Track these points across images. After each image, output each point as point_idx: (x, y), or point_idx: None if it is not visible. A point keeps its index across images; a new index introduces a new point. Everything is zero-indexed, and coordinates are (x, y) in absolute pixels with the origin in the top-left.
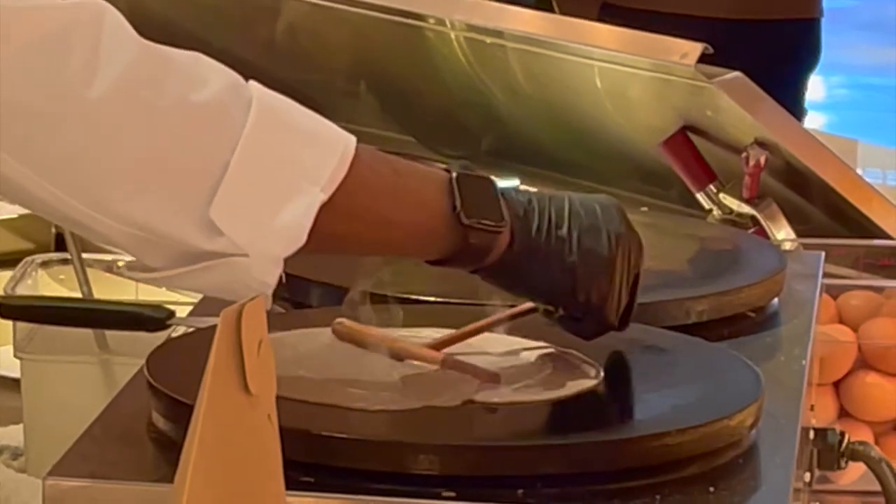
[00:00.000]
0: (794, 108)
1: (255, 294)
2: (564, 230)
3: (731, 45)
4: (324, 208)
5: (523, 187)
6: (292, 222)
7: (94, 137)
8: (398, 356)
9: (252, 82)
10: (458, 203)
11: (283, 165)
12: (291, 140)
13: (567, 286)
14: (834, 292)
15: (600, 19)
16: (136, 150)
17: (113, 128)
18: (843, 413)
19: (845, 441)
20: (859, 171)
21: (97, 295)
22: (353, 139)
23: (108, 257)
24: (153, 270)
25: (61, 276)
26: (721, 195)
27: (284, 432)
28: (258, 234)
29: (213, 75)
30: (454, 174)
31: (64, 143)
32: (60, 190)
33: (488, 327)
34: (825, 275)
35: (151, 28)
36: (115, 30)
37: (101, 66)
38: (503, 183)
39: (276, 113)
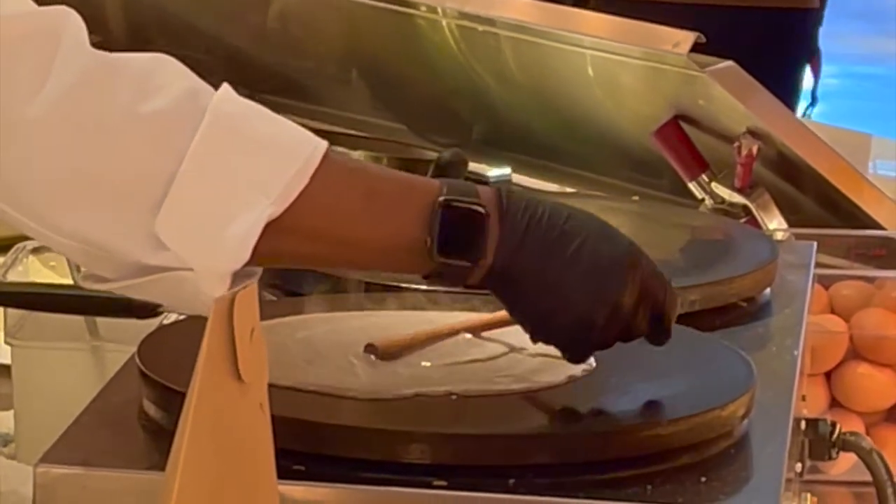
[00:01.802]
0: (788, 98)
1: (206, 307)
2: (563, 267)
3: (724, 33)
4: (277, 224)
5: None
6: (237, 238)
7: (35, 153)
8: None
9: (225, 87)
10: (430, 240)
11: (232, 177)
12: (245, 150)
13: (557, 327)
14: (826, 282)
15: (594, 8)
16: (77, 164)
17: (53, 143)
18: (835, 403)
19: (837, 431)
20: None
21: None
22: (321, 150)
23: None
24: (106, 281)
25: (52, 263)
26: (713, 185)
27: (276, 421)
28: (202, 248)
29: (169, 83)
30: (441, 198)
31: (7, 159)
32: (6, 205)
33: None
34: (817, 265)
35: (145, 16)
36: (72, 40)
37: (51, 79)
38: (495, 171)
39: (231, 122)
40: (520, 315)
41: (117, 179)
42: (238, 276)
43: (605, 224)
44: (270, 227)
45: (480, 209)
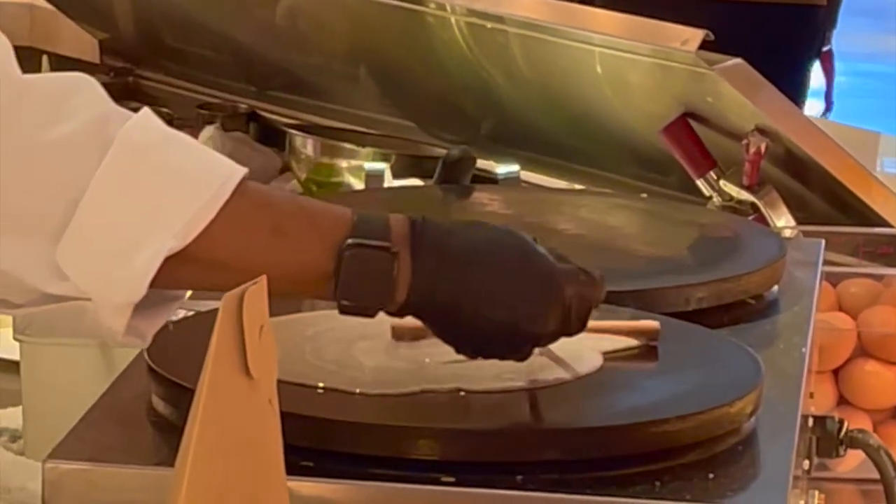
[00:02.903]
0: (795, 94)
1: (108, 338)
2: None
3: (732, 29)
4: (178, 255)
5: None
6: (135, 271)
7: None
8: None
9: (141, 113)
10: (335, 282)
11: (135, 209)
12: (150, 182)
13: (487, 349)
14: (833, 280)
15: (602, 4)
16: None
17: None
18: (842, 400)
19: (844, 429)
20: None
21: None
22: (231, 184)
23: None
24: (15, 306)
25: None
26: (721, 182)
27: (285, 417)
28: (100, 280)
29: (81, 108)
30: (348, 240)
31: None
32: None
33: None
34: (825, 262)
35: (153, 13)
36: None
37: None
38: (503, 168)
39: (139, 151)
40: (444, 338)
41: (19, 206)
42: (148, 306)
43: (524, 242)
44: (171, 258)
45: (388, 251)
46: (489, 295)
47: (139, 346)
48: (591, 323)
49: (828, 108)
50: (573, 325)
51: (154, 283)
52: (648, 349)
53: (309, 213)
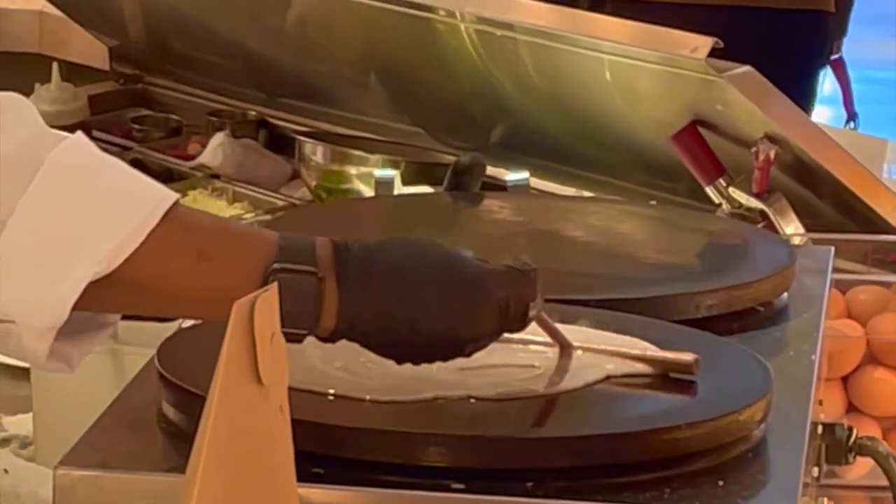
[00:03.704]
0: (804, 101)
1: (32, 360)
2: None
3: (741, 34)
4: (107, 280)
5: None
6: (57, 296)
7: None
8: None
9: (75, 136)
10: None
11: (60, 233)
12: (78, 206)
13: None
14: (843, 287)
15: (611, 13)
16: None
17: None
18: (852, 408)
19: (853, 436)
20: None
21: None
22: (163, 207)
23: None
24: None
25: None
26: (730, 189)
27: (295, 423)
28: (23, 304)
29: (11, 129)
30: (274, 265)
31: None
32: None
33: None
34: (834, 269)
35: (163, 20)
36: None
37: None
38: (513, 175)
39: (69, 175)
40: (383, 354)
41: None
42: (74, 331)
43: (446, 251)
44: (95, 283)
45: (314, 275)
46: (421, 308)
47: (65, 372)
48: (624, 350)
49: (850, 118)
50: (512, 322)
51: (78, 307)
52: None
53: (234, 237)
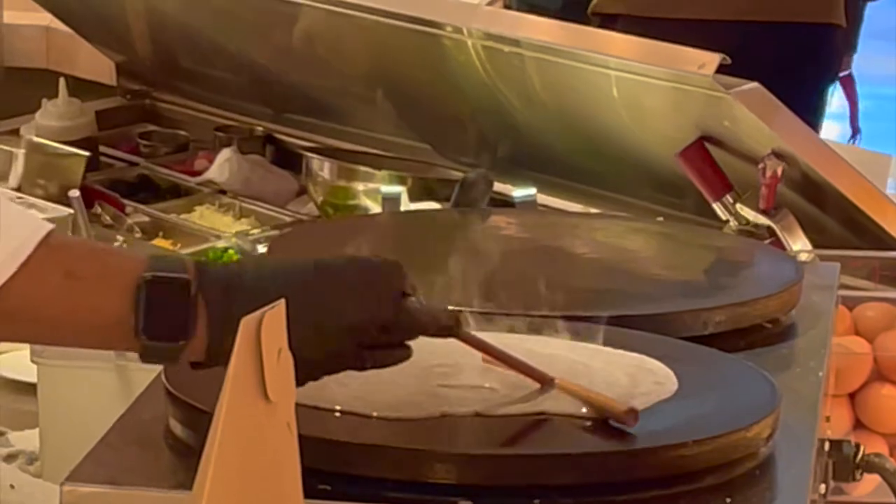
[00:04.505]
0: (811, 116)
1: None
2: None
3: (749, 49)
4: None
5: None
6: None
7: None
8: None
9: None
10: (135, 321)
11: None
12: None
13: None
14: (850, 304)
15: (621, 30)
16: None
17: None
18: (859, 424)
19: (860, 453)
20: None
21: None
22: (36, 238)
23: None
24: None
25: None
26: (737, 206)
27: (302, 440)
28: None
29: None
30: (147, 276)
31: None
32: None
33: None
34: (841, 286)
35: (170, 36)
36: None
37: None
38: (520, 191)
39: None
40: None
41: None
42: None
43: (312, 269)
44: None
45: (185, 282)
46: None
47: None
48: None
49: (854, 134)
50: (384, 312)
51: None
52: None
53: (103, 255)
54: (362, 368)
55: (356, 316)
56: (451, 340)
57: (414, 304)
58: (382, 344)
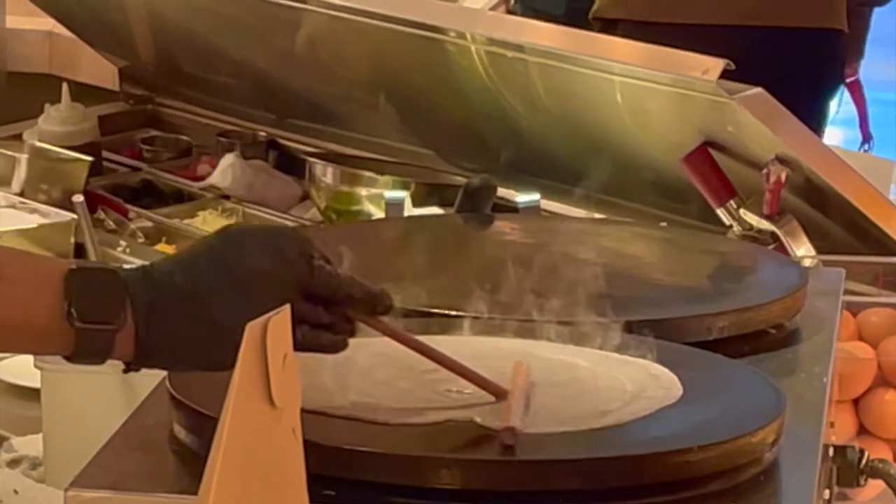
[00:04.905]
0: (815, 121)
1: None
2: (203, 295)
3: (752, 54)
4: None
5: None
6: None
7: None
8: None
9: None
10: (68, 305)
11: None
12: None
13: (225, 349)
14: (854, 309)
15: (623, 34)
16: None
17: None
18: (863, 430)
19: (865, 458)
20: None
21: None
22: None
23: None
24: None
25: None
26: (741, 211)
27: (307, 446)
28: None
29: None
30: (72, 265)
31: None
32: None
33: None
34: (845, 292)
35: (173, 41)
36: None
37: None
38: (523, 197)
39: None
40: (193, 364)
41: None
42: None
43: (218, 238)
44: None
45: (112, 272)
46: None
47: None
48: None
49: (865, 140)
50: (298, 270)
51: None
52: None
53: (30, 257)
54: (295, 346)
55: (273, 270)
56: (452, 340)
57: (333, 270)
58: (312, 321)
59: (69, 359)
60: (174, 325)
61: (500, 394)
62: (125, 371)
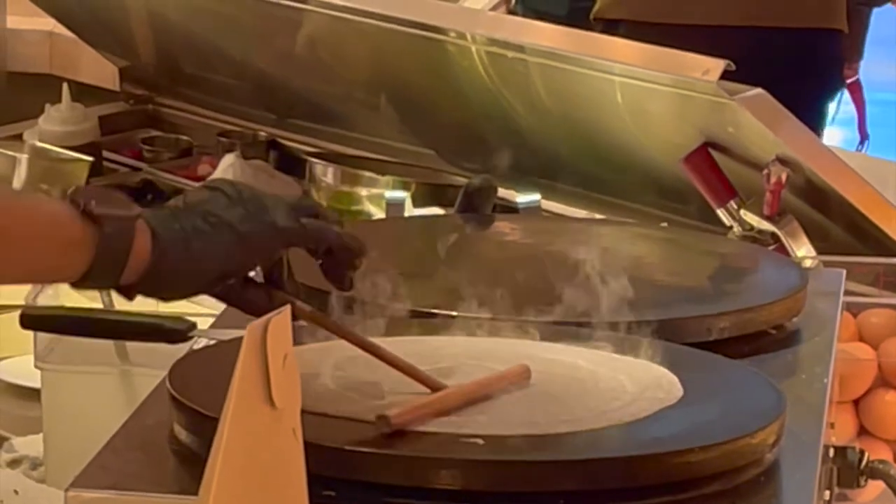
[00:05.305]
0: (814, 121)
1: None
2: (217, 213)
3: (752, 54)
4: None
5: None
6: None
7: None
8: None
9: None
10: (83, 201)
11: None
12: None
13: (236, 260)
14: (854, 310)
15: (624, 35)
16: None
17: None
18: (863, 431)
19: (865, 459)
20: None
21: (118, 306)
22: None
23: None
24: None
25: None
26: (742, 212)
27: (307, 446)
28: None
29: None
30: (72, 189)
31: None
32: None
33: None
34: (845, 292)
35: (173, 41)
36: None
37: None
38: (524, 197)
39: None
40: (208, 275)
41: None
42: None
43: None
44: None
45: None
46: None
47: None
48: None
49: (862, 140)
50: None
51: None
52: None
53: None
54: (304, 237)
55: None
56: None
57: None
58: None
59: (92, 271)
60: (186, 231)
61: (437, 390)
62: (131, 294)
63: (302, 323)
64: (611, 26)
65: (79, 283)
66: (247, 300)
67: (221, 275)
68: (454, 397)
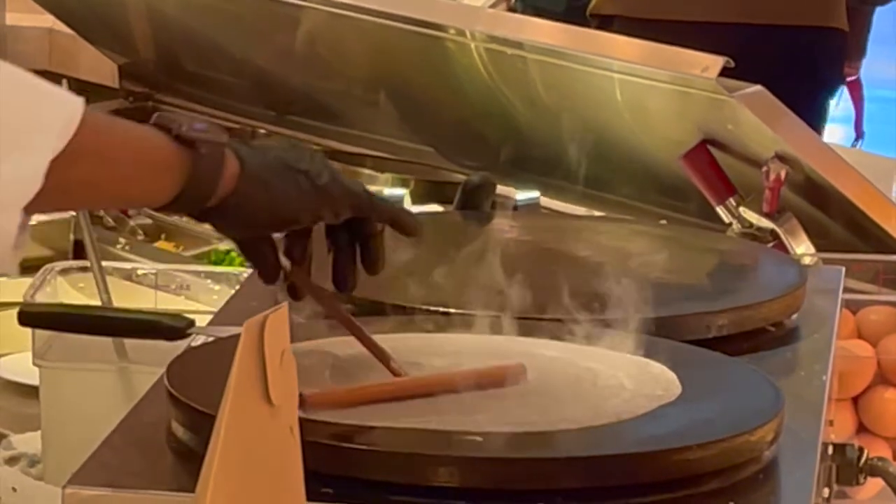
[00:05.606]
0: (814, 119)
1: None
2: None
3: (752, 51)
4: (69, 154)
5: None
6: (25, 170)
7: None
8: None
9: None
10: (174, 126)
11: (15, 116)
12: (25, 94)
13: (309, 209)
14: (853, 307)
15: (619, 31)
16: None
17: None
18: (862, 428)
19: (864, 456)
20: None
21: (116, 303)
22: (80, 98)
23: (128, 265)
24: None
25: (80, 284)
26: (741, 209)
27: (304, 444)
28: None
29: None
30: (156, 115)
31: None
32: None
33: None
34: (845, 290)
35: (173, 39)
36: None
37: None
38: (523, 194)
39: (8, 69)
40: (280, 210)
41: None
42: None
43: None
44: (60, 159)
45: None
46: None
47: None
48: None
49: (858, 137)
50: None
51: (49, 188)
52: None
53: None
54: (372, 205)
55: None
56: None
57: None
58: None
59: (184, 193)
60: (270, 168)
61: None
62: (208, 220)
63: (300, 320)
64: (606, 22)
65: (167, 207)
66: (262, 254)
67: (293, 219)
68: (399, 388)
